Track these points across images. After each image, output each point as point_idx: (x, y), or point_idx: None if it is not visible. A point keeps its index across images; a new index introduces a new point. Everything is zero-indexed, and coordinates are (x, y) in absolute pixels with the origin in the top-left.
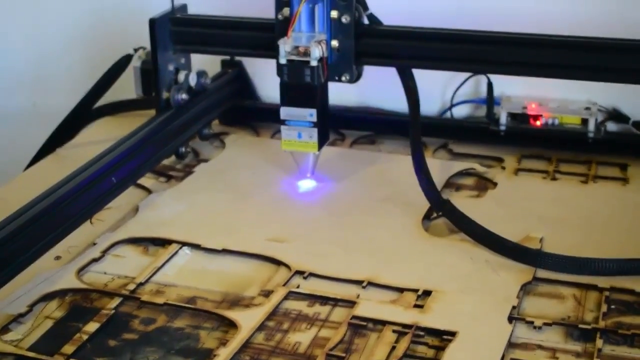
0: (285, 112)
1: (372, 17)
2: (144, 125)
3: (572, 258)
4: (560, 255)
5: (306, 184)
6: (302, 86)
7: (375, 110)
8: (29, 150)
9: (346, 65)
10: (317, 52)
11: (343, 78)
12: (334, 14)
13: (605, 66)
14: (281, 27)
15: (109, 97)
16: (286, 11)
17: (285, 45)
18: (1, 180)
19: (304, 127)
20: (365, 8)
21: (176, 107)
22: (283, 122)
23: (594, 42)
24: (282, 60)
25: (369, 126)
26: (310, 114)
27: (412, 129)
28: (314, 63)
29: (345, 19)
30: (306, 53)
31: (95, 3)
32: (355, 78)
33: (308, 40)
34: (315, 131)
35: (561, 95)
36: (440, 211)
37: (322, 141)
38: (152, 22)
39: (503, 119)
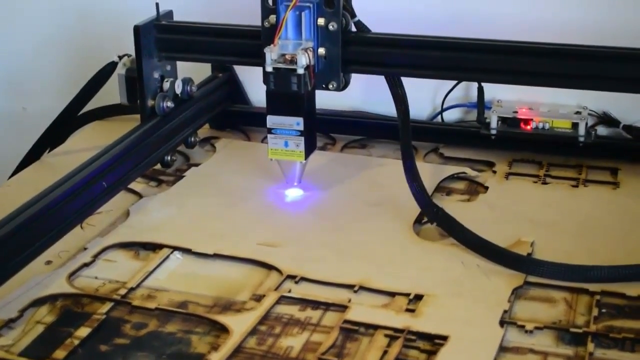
0: (271, 120)
1: (360, 25)
2: (129, 134)
3: (567, 266)
4: (557, 263)
5: (293, 193)
6: (288, 94)
7: (366, 114)
8: (18, 155)
9: (333, 73)
10: (303, 60)
11: (330, 86)
12: (321, 21)
13: (596, 75)
14: (267, 34)
15: (95, 104)
16: (272, 18)
17: (271, 53)
18: None
19: (290, 135)
20: (353, 15)
21: (162, 115)
22: (270, 131)
23: (584, 51)
24: (269, 68)
25: (360, 130)
26: (297, 122)
27: (402, 137)
28: (300, 71)
29: (332, 27)
30: (293, 61)
31: (83, 8)
32: (342, 86)
33: (295, 48)
34: (302, 140)
35: (552, 99)
36: (435, 221)
37: (309, 150)
38: (137, 29)
39: (494, 123)
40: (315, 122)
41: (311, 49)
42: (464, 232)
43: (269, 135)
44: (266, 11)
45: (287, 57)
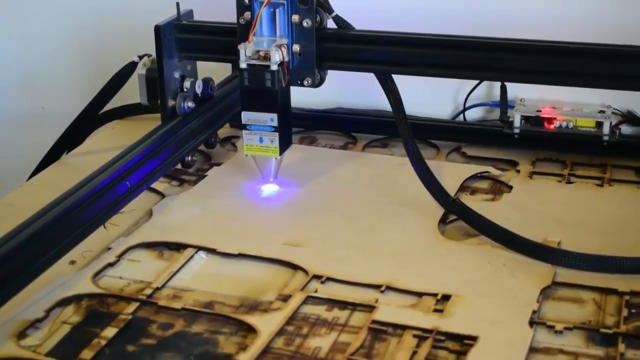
0: (246, 116)
1: (339, 20)
2: (151, 134)
3: (594, 256)
4: (582, 254)
5: (269, 189)
6: (262, 91)
7: (387, 114)
8: (38, 155)
9: (308, 69)
10: (277, 56)
11: (305, 82)
12: (295, 18)
13: (621, 74)
14: (243, 31)
15: (113, 104)
16: (248, 15)
17: (245, 50)
18: (11, 184)
19: (265, 131)
20: (329, 11)
21: (183, 116)
22: (244, 127)
23: (608, 49)
24: (243, 65)
25: (381, 129)
26: (271, 118)
27: (402, 130)
28: (274, 67)
29: (306, 23)
30: (267, 57)
31: (102, 8)
32: (317, 83)
33: (269, 45)
34: (276, 136)
35: (575, 98)
36: (449, 209)
37: (283, 146)
38: (157, 29)
39: (517, 122)
40: (290, 118)
41: (285, 46)
42: (486, 223)
43: (243, 132)
44: (241, 8)
45: (261, 53)
